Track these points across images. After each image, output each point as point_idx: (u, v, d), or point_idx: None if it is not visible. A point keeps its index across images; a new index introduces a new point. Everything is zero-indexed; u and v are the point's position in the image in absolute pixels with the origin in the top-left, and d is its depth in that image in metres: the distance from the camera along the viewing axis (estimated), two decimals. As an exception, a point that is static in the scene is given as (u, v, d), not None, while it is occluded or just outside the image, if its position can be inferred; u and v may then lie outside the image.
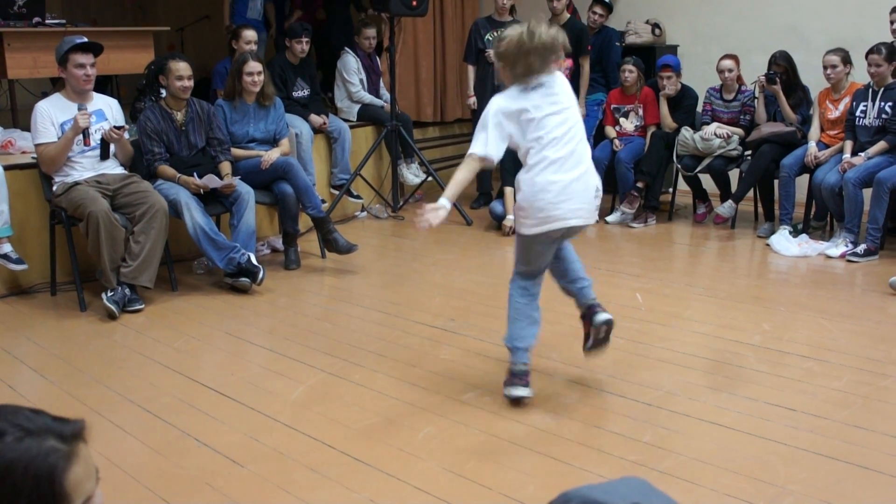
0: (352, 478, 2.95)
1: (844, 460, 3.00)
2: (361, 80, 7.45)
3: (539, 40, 3.39)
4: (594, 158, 6.90)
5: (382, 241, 6.71)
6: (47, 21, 5.90)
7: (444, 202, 3.33)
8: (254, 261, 5.13)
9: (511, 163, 6.73)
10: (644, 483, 1.06)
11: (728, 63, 6.67)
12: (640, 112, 7.08)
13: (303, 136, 6.49)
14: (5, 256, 5.00)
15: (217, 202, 5.35)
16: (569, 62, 7.09)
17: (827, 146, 6.26)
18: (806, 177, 6.35)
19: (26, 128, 5.22)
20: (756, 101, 6.64)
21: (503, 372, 3.85)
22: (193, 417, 3.47)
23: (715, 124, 6.75)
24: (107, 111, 5.11)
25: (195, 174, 5.20)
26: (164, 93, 5.35)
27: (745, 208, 6.92)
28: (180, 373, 3.97)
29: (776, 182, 6.43)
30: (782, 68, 6.42)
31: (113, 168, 5.11)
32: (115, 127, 5.01)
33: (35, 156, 5.04)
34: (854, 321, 4.56)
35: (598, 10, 7.49)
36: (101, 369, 4.02)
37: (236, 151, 5.68)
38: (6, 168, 5.05)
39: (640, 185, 6.84)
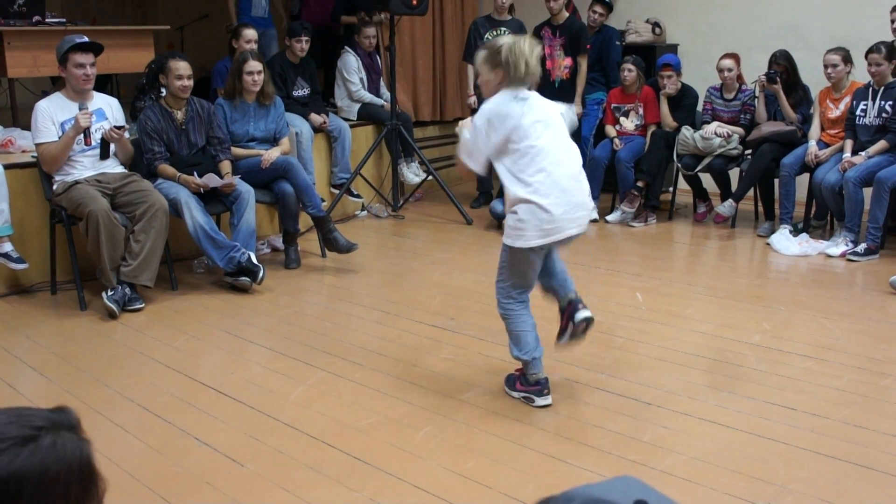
0: (352, 477, 2.95)
1: (844, 459, 3.00)
2: (361, 80, 7.45)
3: (534, 53, 3.41)
4: (595, 157, 7.03)
5: (382, 241, 6.71)
6: (47, 20, 5.89)
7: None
8: (254, 260, 5.13)
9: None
10: (639, 481, 1.07)
11: (728, 62, 6.67)
12: (641, 111, 7.08)
13: (303, 135, 6.49)
14: (6, 255, 5.00)
15: (217, 201, 5.35)
16: (568, 61, 7.09)
17: (827, 145, 6.26)
18: (806, 176, 6.35)
19: (26, 127, 5.22)
20: (756, 100, 6.64)
21: (503, 371, 3.86)
22: (193, 416, 3.47)
23: (715, 123, 6.75)
24: (107, 110, 5.11)
25: (195, 173, 5.20)
26: (164, 92, 5.35)
27: (746, 207, 6.92)
28: (180, 372, 3.97)
29: (776, 181, 6.43)
30: (782, 67, 6.42)
31: (113, 167, 5.11)
32: (115, 127, 5.01)
33: (35, 155, 5.04)
34: (854, 320, 4.56)
35: (598, 9, 7.48)
36: (101, 368, 4.02)
37: (236, 150, 5.68)
38: (6, 167, 5.05)
39: (640, 184, 6.84)
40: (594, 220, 7.00)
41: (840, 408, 3.44)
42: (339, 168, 7.06)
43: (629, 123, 7.13)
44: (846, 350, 4.09)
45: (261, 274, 5.10)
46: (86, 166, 4.99)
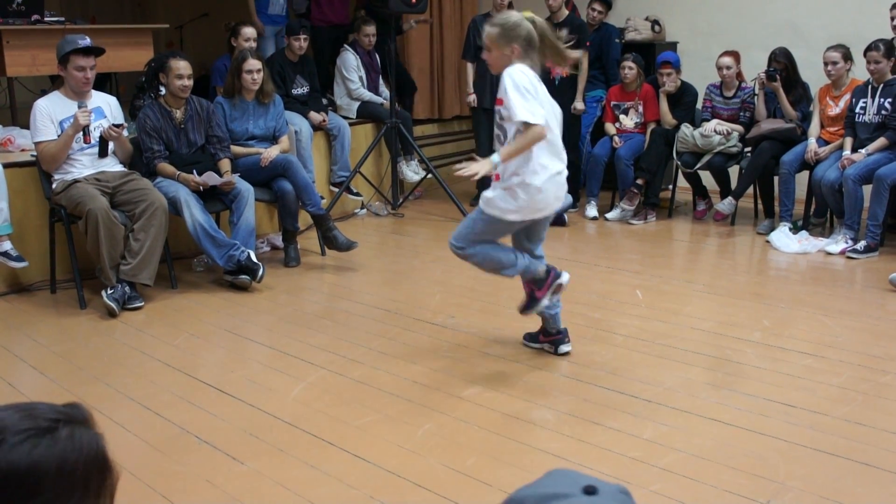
0: (352, 474, 2.95)
1: (844, 457, 3.00)
2: (361, 78, 7.45)
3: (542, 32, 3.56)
4: (594, 155, 7.03)
5: (382, 239, 6.71)
6: (46, 18, 5.89)
7: (496, 157, 3.45)
8: (253, 258, 5.13)
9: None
10: (572, 472, 1.08)
11: (727, 60, 6.67)
12: (640, 109, 7.07)
13: (302, 133, 6.49)
14: (5, 254, 5.00)
15: (217, 199, 5.35)
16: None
17: (827, 143, 6.26)
18: (806, 173, 6.35)
19: (25, 125, 5.22)
20: (756, 97, 6.64)
21: (504, 368, 3.87)
22: (193, 414, 3.47)
23: (715, 121, 6.75)
24: (105, 109, 5.11)
25: (194, 171, 5.20)
26: (163, 90, 5.34)
27: (745, 205, 6.92)
28: (180, 370, 3.97)
29: (776, 179, 6.43)
30: (782, 65, 6.41)
31: (112, 166, 5.11)
32: (113, 125, 5.00)
33: (34, 153, 5.04)
34: (854, 318, 4.56)
35: (597, 6, 7.48)
36: (100, 367, 4.02)
37: (236, 149, 5.68)
38: (6, 166, 5.04)
39: (639, 181, 6.84)
40: (594, 218, 7.01)
41: (840, 405, 3.44)
42: (339, 166, 7.06)
43: (629, 121, 7.13)
44: (846, 347, 4.10)
45: (260, 272, 5.10)
46: (85, 165, 4.99)
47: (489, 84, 6.88)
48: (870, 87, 5.97)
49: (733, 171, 6.83)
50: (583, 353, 4.06)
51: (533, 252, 3.88)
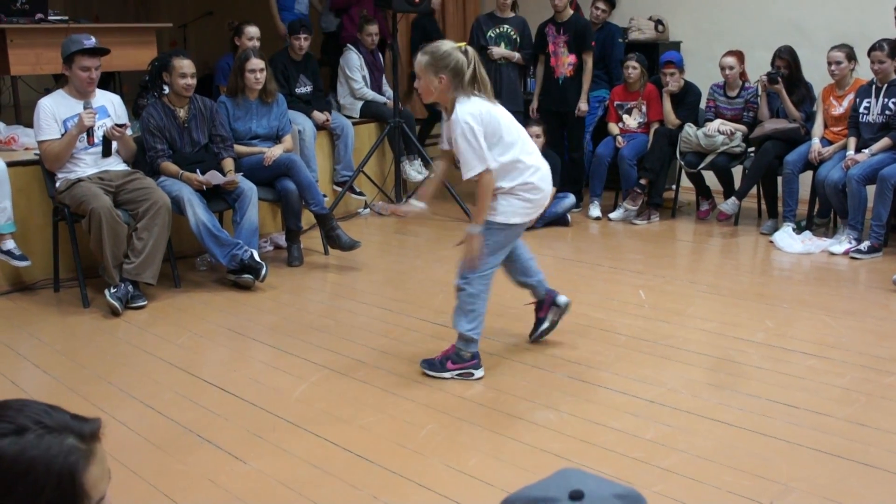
0: (354, 474, 2.96)
1: (847, 458, 3.00)
2: (364, 77, 7.45)
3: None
4: (598, 155, 7.03)
5: (385, 238, 6.71)
6: (50, 17, 5.90)
7: (475, 228, 3.67)
8: (256, 257, 5.13)
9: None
10: (578, 471, 1.07)
11: (730, 60, 6.66)
12: (644, 109, 7.07)
13: (305, 132, 6.48)
14: (8, 253, 5.01)
15: (220, 199, 5.35)
16: (572, 58, 7.08)
17: (830, 143, 6.24)
18: (809, 173, 6.33)
19: (29, 124, 5.22)
20: (759, 98, 6.63)
21: (506, 369, 3.87)
22: (196, 414, 3.47)
23: (718, 121, 6.74)
24: (109, 108, 5.11)
25: (198, 171, 5.20)
26: (167, 89, 5.35)
27: (749, 205, 6.91)
28: (183, 369, 3.97)
29: (779, 179, 6.42)
30: (785, 62, 6.39)
31: (116, 165, 5.11)
32: (116, 125, 5.00)
33: (38, 152, 5.05)
34: (857, 318, 4.55)
35: (600, 5, 7.48)
36: (103, 365, 4.03)
37: (239, 148, 5.68)
38: (9, 164, 5.05)
39: (643, 181, 6.83)
40: (597, 218, 7.01)
41: (843, 406, 3.44)
42: (342, 165, 7.06)
43: (632, 121, 7.12)
44: (849, 348, 4.09)
45: (263, 271, 5.10)
46: (88, 164, 4.99)
47: (493, 84, 6.86)
48: (874, 86, 5.96)
49: (737, 171, 6.82)
50: (585, 353, 4.06)
51: (538, 282, 4.07)
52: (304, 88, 6.85)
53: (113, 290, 4.74)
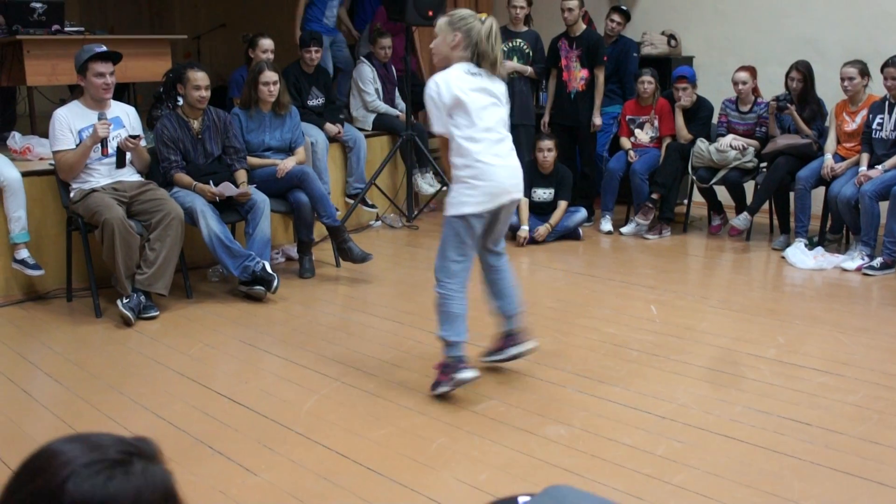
0: (365, 487, 2.95)
1: (859, 476, 2.99)
2: (377, 90, 7.48)
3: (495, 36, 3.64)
4: (609, 169, 7.03)
5: (397, 251, 6.72)
6: (66, 29, 5.94)
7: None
8: (268, 269, 5.14)
9: (524, 174, 6.74)
10: (571, 489, 1.07)
11: (743, 75, 6.66)
12: (656, 123, 7.07)
13: (318, 144, 6.51)
14: (22, 262, 5.04)
15: (232, 210, 5.37)
16: (584, 73, 7.10)
17: (843, 158, 6.23)
18: (822, 189, 6.32)
19: (44, 134, 5.26)
20: (769, 117, 6.60)
21: (517, 383, 3.86)
22: (207, 425, 3.48)
23: (730, 136, 6.74)
24: (124, 119, 5.14)
25: (211, 182, 5.23)
26: (181, 101, 5.38)
27: (761, 220, 6.89)
28: (194, 380, 3.98)
29: (792, 194, 6.40)
30: (801, 75, 6.38)
31: (129, 175, 5.14)
32: (130, 136, 5.03)
33: (53, 162, 5.08)
34: (870, 335, 4.53)
35: (616, 17, 7.48)
36: (115, 375, 4.04)
37: (252, 160, 5.70)
38: (24, 174, 5.09)
39: (654, 196, 6.83)
40: (609, 232, 7.00)
41: (855, 423, 3.42)
42: (354, 178, 7.08)
43: (644, 135, 7.12)
44: (862, 365, 4.07)
45: (275, 283, 5.11)
46: (102, 174, 5.02)
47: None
48: (887, 103, 5.95)
49: (749, 187, 6.81)
50: (597, 368, 4.05)
51: (494, 249, 3.92)
52: (316, 101, 6.87)
53: (125, 301, 4.75)
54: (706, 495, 2.86)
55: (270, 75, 5.70)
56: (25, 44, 5.62)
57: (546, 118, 7.34)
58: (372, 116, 7.49)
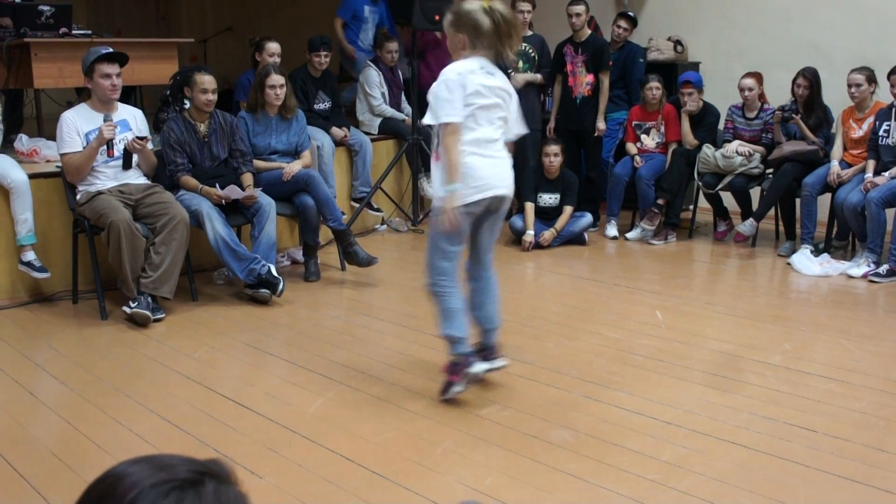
0: (370, 491, 2.95)
1: (865, 483, 2.98)
2: (383, 94, 7.49)
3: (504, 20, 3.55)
4: (615, 175, 7.02)
5: (402, 255, 6.72)
6: (74, 32, 5.96)
7: (444, 188, 3.52)
8: (274, 272, 5.15)
9: (530, 179, 6.75)
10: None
11: (749, 82, 6.65)
12: (662, 129, 7.07)
13: (324, 148, 6.52)
14: (29, 264, 5.05)
15: (238, 213, 5.38)
16: (590, 77, 7.10)
17: (849, 165, 6.22)
18: (828, 196, 6.31)
19: (51, 137, 5.28)
20: (774, 125, 6.60)
21: (522, 387, 3.86)
22: (212, 428, 3.48)
23: (737, 142, 6.73)
24: (131, 121, 5.16)
25: (217, 185, 5.24)
26: (187, 104, 5.39)
27: (767, 227, 6.89)
28: (199, 383, 3.98)
29: (798, 201, 6.40)
30: (808, 82, 6.37)
31: (136, 178, 5.15)
32: (137, 138, 5.04)
33: (59, 165, 5.09)
34: (876, 342, 4.52)
35: (622, 23, 7.49)
36: (120, 378, 4.04)
37: (258, 163, 5.71)
38: (31, 177, 5.11)
39: (660, 202, 6.82)
40: (614, 237, 7.00)
41: (861, 430, 3.41)
42: (360, 182, 7.08)
43: (650, 141, 7.12)
44: (868, 372, 4.06)
45: (280, 286, 5.12)
46: (109, 177, 5.03)
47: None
48: (893, 109, 5.94)
49: (755, 193, 6.80)
50: (602, 374, 4.05)
51: (484, 259, 3.82)
52: (322, 104, 6.88)
53: (133, 304, 4.76)
54: (712, 501, 2.86)
55: (277, 79, 5.71)
56: (33, 46, 5.63)
57: (552, 123, 7.34)
58: (378, 120, 7.50)
